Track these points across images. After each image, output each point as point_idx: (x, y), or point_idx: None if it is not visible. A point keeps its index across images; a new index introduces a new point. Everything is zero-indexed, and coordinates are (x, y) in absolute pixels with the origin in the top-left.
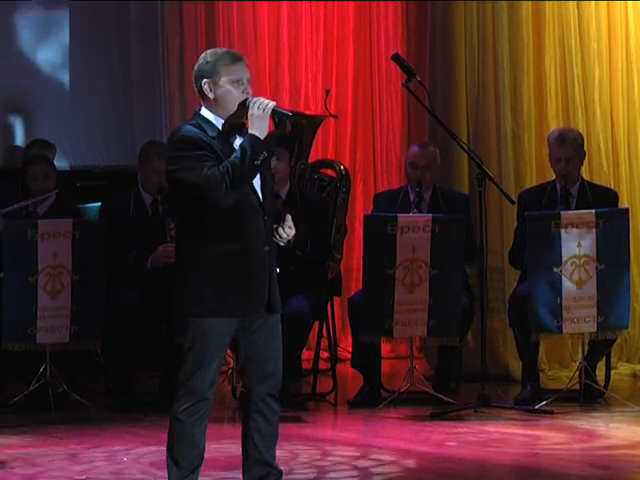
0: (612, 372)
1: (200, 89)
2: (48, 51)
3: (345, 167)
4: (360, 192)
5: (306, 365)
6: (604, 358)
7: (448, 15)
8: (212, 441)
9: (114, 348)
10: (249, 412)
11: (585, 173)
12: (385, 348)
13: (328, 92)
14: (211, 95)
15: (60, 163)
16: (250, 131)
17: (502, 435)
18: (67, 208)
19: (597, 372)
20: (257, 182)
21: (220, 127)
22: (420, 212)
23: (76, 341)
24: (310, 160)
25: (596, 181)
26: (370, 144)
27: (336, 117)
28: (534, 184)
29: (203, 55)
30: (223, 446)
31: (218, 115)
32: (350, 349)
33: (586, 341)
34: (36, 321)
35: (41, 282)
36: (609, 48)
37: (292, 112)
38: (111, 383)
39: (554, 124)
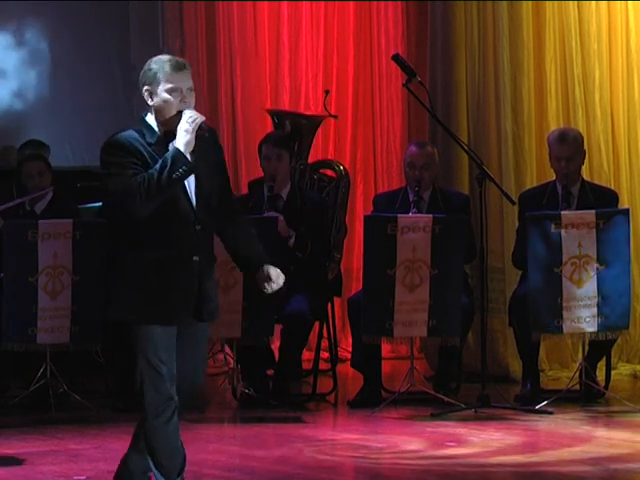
0: (612, 372)
1: (143, 96)
2: (48, 51)
3: (345, 167)
4: (360, 192)
5: (306, 365)
6: (604, 358)
7: (448, 15)
8: (212, 441)
9: (114, 348)
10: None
11: (585, 173)
12: (385, 348)
13: (327, 93)
14: (150, 102)
15: (60, 163)
16: (176, 144)
17: (502, 435)
18: (65, 207)
19: (597, 372)
20: (192, 191)
21: (160, 133)
22: (419, 212)
23: (76, 341)
24: (310, 160)
25: (596, 181)
26: (370, 144)
27: (336, 117)
28: (534, 184)
29: (148, 62)
30: (223, 446)
31: (158, 122)
32: (350, 349)
33: (586, 341)
34: (36, 321)
35: (41, 282)
36: (609, 48)
37: (207, 127)
38: (111, 383)
39: (554, 124)
